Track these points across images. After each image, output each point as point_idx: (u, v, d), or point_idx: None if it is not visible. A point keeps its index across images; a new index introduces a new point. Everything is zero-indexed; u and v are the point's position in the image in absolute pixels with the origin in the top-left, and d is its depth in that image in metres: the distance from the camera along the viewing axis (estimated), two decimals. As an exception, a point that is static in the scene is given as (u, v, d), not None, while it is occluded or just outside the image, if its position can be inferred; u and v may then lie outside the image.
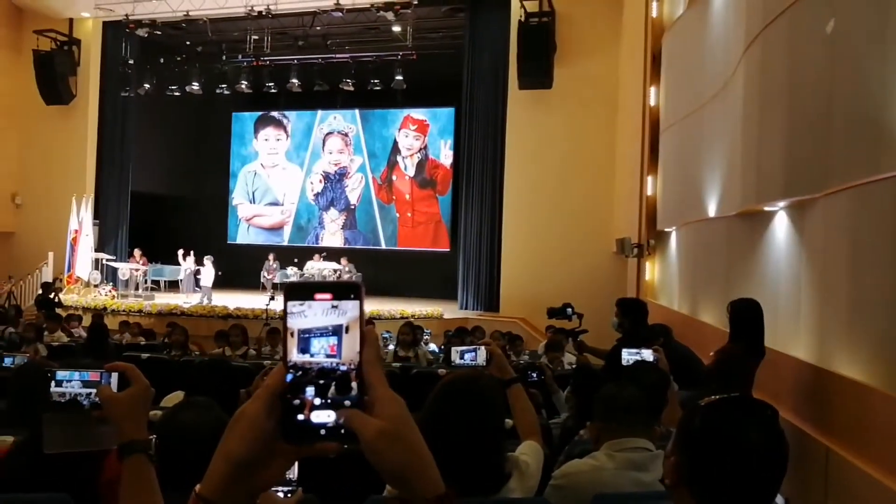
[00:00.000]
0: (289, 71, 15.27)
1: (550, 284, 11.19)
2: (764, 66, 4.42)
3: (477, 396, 1.78)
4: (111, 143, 15.81)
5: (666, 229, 8.33)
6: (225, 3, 13.86)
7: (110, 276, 15.20)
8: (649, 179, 8.93)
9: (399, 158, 17.89)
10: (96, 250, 14.90)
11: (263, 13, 13.58)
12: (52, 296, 12.32)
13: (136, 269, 14.97)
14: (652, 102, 8.89)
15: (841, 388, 3.08)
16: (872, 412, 2.75)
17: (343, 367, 0.68)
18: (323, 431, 0.67)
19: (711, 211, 5.94)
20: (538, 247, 12.50)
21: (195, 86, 15.57)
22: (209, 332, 9.56)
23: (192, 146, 19.07)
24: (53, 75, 14.91)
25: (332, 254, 16.34)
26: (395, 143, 17.92)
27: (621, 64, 11.99)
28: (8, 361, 4.76)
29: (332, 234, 18.39)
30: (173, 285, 16.05)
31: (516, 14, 12.53)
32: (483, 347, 2.59)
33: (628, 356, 3.37)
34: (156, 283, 16.05)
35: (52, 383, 1.40)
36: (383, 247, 17.94)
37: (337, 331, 0.68)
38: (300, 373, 0.68)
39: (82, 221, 14.51)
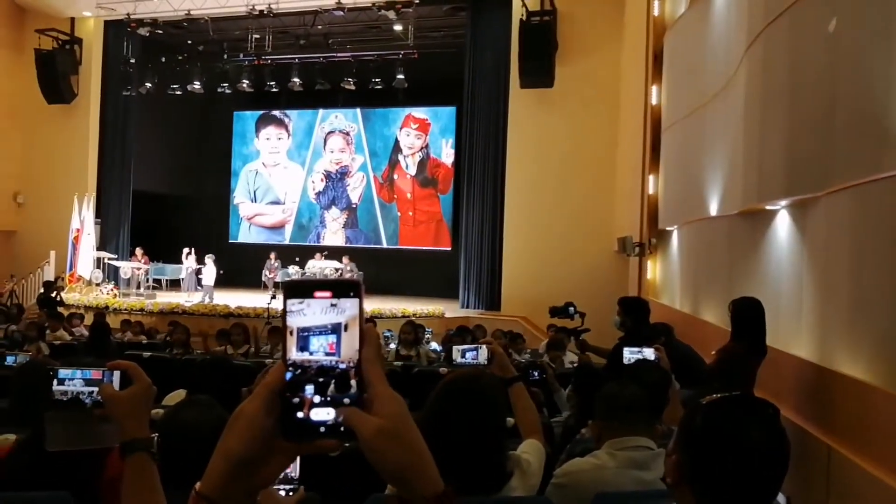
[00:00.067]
0: (290, 70, 15.27)
1: (552, 283, 11.19)
2: (766, 65, 4.41)
3: (478, 395, 1.78)
4: (113, 142, 15.83)
5: (667, 228, 8.33)
6: (226, 2, 13.87)
7: (112, 274, 15.23)
8: (651, 178, 8.92)
9: (400, 157, 17.89)
10: (98, 249, 14.92)
11: (265, 12, 13.59)
12: (53, 294, 12.33)
13: (138, 268, 14.99)
14: (653, 101, 8.88)
15: (842, 387, 3.08)
16: (874, 411, 2.75)
17: (342, 366, 0.68)
18: (322, 429, 0.67)
19: (713, 210, 5.93)
20: (539, 245, 12.50)
21: (196, 85, 15.58)
22: (211, 330, 9.56)
23: (194, 145, 19.08)
24: (55, 74, 14.93)
25: (333, 253, 16.35)
26: (397, 141, 17.91)
27: (623, 63, 11.98)
28: (10, 360, 4.76)
29: (334, 232, 18.39)
30: (175, 284, 16.06)
31: (518, 13, 12.53)
32: (484, 346, 2.59)
33: (630, 355, 3.37)
34: (157, 281, 16.07)
35: (55, 382, 1.41)
36: (384, 246, 17.94)
37: (336, 329, 0.68)
38: (299, 371, 0.68)
39: (84, 220, 14.53)
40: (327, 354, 0.68)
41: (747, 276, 4.90)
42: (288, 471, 1.54)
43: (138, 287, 14.99)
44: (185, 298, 14.26)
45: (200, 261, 14.98)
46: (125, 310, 12.93)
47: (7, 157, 15.52)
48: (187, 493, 0.72)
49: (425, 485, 0.69)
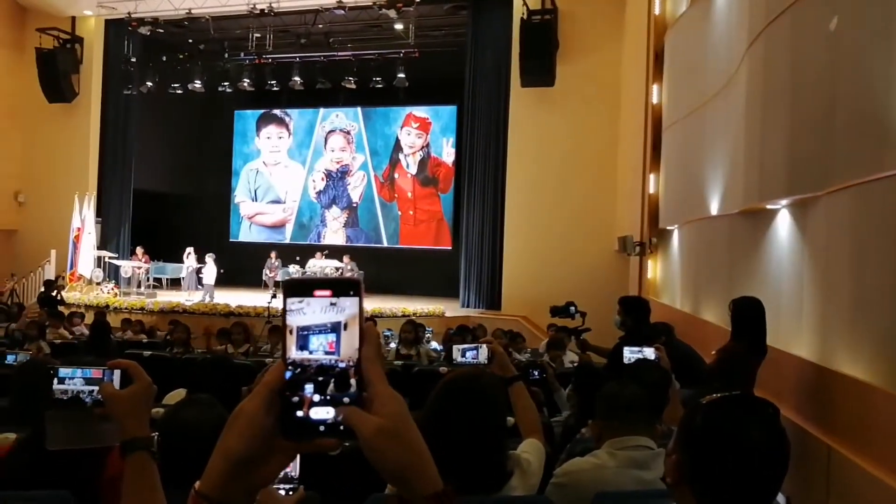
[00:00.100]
0: (291, 69, 15.27)
1: (552, 283, 11.19)
2: (767, 64, 4.41)
3: (479, 394, 1.78)
4: (114, 141, 15.84)
5: (668, 227, 8.32)
6: (227, 1, 13.87)
7: (112, 273, 15.24)
8: (651, 177, 8.91)
9: (401, 156, 17.89)
10: (99, 248, 14.94)
11: (266, 11, 13.59)
12: (54, 293, 12.34)
13: (139, 267, 15.00)
14: (654, 100, 8.87)
15: (843, 387, 3.08)
16: (874, 411, 2.75)
17: (342, 364, 0.68)
18: (322, 428, 0.67)
19: (714, 209, 5.93)
20: (540, 245, 12.50)
21: (197, 84, 15.58)
22: (213, 329, 9.55)
23: (195, 144, 19.08)
24: (56, 73, 14.93)
25: (333, 252, 16.36)
26: (398, 140, 17.91)
27: (624, 62, 11.97)
28: (10, 359, 4.76)
29: (334, 231, 18.39)
30: (175, 283, 16.07)
31: (518, 12, 12.52)
32: (485, 345, 2.59)
33: (630, 354, 3.37)
34: (158, 280, 16.07)
35: (55, 380, 1.41)
36: (385, 245, 17.94)
37: (336, 328, 0.68)
38: (299, 370, 0.68)
39: (85, 219, 14.54)
40: (327, 353, 0.68)
41: (748, 275, 4.90)
42: (288, 470, 1.55)
43: (139, 286, 15.00)
44: (186, 297, 14.27)
45: (201, 260, 14.98)
46: (126, 309, 12.94)
47: (8, 156, 15.53)
48: (187, 492, 0.72)
49: (425, 484, 0.69)
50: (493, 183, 13.28)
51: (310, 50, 15.21)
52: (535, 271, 12.28)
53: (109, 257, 15.10)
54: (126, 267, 15.01)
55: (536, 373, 4.06)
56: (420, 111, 17.64)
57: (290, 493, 1.53)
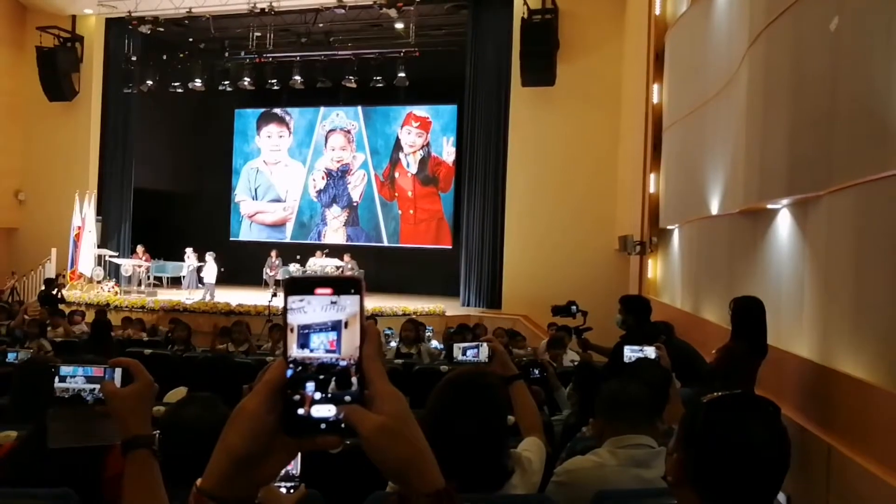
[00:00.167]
0: (291, 68, 15.26)
1: (552, 282, 11.19)
2: (767, 64, 4.41)
3: (479, 393, 1.78)
4: (114, 140, 15.84)
5: (669, 227, 8.32)
6: (227, 0, 13.86)
7: (113, 272, 15.25)
8: (652, 177, 8.91)
9: (401, 155, 17.89)
10: (99, 246, 14.94)
11: (266, 10, 13.59)
12: (54, 292, 12.35)
13: (139, 266, 15.01)
14: (655, 100, 8.87)
15: (843, 386, 3.08)
16: (875, 410, 2.75)
17: (343, 363, 0.68)
18: (323, 426, 0.67)
19: (714, 208, 5.93)
20: (540, 244, 12.50)
21: (198, 82, 15.57)
22: (210, 328, 9.54)
23: (195, 143, 19.07)
24: (56, 72, 14.93)
25: (334, 251, 16.36)
26: (398, 139, 17.90)
27: (624, 61, 11.97)
28: (11, 357, 4.77)
29: (335, 230, 18.39)
30: (176, 282, 16.08)
31: (519, 11, 12.52)
32: (485, 344, 2.59)
33: (631, 353, 3.37)
34: (158, 279, 16.08)
35: (56, 379, 1.41)
36: (385, 244, 17.94)
37: (336, 326, 0.68)
38: (300, 368, 0.68)
39: (85, 218, 14.54)
40: (328, 351, 0.68)
41: (748, 274, 4.90)
42: (289, 468, 1.55)
43: (139, 284, 15.01)
44: (187, 296, 14.27)
45: (201, 258, 14.99)
46: (126, 307, 12.94)
47: (8, 154, 15.53)
48: (189, 490, 0.72)
49: (426, 482, 0.69)
50: (494, 182, 13.28)
51: (310, 49, 15.21)
52: (535, 270, 12.28)
53: (110, 256, 15.11)
54: (126, 265, 15.02)
55: (537, 371, 4.06)
56: (420, 110, 17.64)
57: (292, 490, 1.53)
